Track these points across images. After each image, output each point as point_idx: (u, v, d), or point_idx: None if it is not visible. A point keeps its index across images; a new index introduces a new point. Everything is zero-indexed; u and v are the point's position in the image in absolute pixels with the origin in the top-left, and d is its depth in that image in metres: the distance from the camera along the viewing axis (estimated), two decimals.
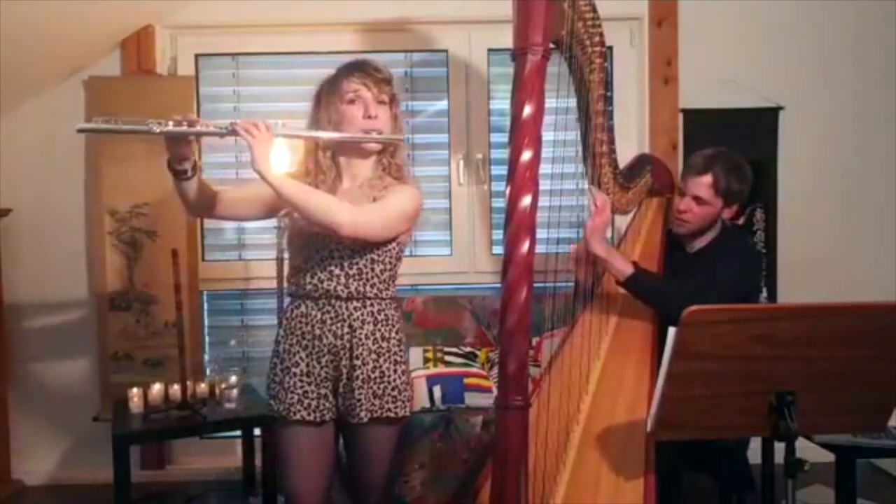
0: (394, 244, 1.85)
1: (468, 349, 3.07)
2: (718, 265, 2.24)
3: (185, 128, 1.63)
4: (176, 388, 2.78)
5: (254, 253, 3.43)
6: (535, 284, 1.41)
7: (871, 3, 3.34)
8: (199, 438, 3.34)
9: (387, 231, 1.80)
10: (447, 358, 2.98)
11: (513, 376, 1.38)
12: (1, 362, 3.26)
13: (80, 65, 3.26)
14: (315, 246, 1.81)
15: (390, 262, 1.85)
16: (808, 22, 3.35)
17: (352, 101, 1.80)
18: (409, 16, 3.33)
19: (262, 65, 3.42)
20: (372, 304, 1.83)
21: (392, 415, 1.84)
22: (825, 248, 3.37)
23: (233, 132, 1.67)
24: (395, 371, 1.85)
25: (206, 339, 3.46)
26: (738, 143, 3.21)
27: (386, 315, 1.85)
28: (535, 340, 2.94)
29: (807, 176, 3.37)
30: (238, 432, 3.02)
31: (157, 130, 1.60)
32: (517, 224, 1.38)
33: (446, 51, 3.38)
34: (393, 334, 1.86)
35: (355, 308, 1.81)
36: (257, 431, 2.83)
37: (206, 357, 3.43)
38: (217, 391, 2.84)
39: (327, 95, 1.82)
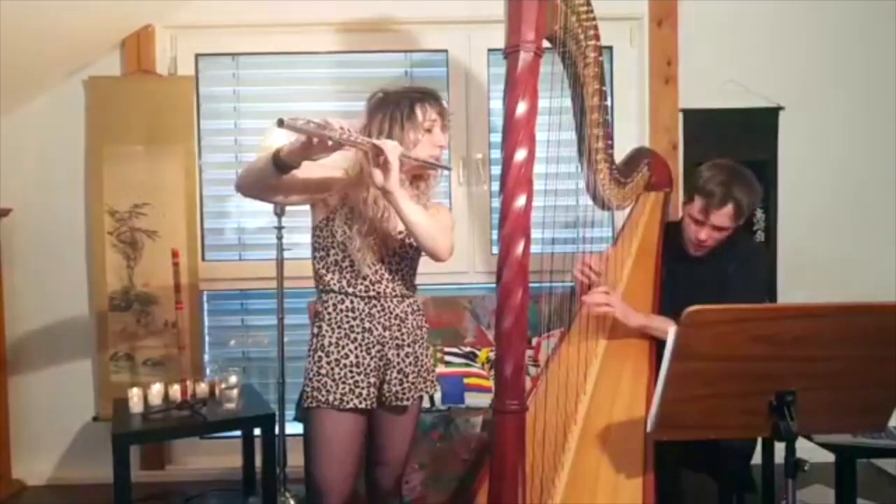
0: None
1: (468, 349, 3.07)
2: (743, 273, 2.28)
3: (346, 136, 1.67)
4: (176, 388, 2.79)
5: (254, 253, 3.43)
6: (533, 284, 1.40)
7: (870, 4, 3.33)
8: (199, 438, 3.35)
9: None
10: (447, 358, 2.98)
11: (509, 380, 1.36)
12: (1, 362, 3.26)
13: (80, 65, 3.26)
14: (368, 250, 1.95)
15: (417, 265, 2.07)
16: (809, 22, 3.35)
17: (429, 130, 1.95)
18: (410, 16, 3.33)
19: (262, 65, 3.42)
20: (407, 299, 2.03)
21: (423, 393, 2.07)
22: (825, 248, 3.37)
23: (377, 149, 1.74)
24: (425, 355, 2.07)
25: (206, 339, 3.46)
26: (738, 143, 3.25)
27: (417, 306, 2.07)
28: (534, 340, 2.94)
29: (807, 176, 3.37)
30: (238, 432, 3.01)
31: (337, 137, 1.63)
32: (512, 225, 1.36)
33: (446, 51, 3.39)
34: (423, 323, 2.08)
35: (398, 302, 2.00)
36: (257, 431, 2.83)
37: (206, 357, 3.43)
38: (217, 391, 2.83)
39: (408, 119, 1.94)
